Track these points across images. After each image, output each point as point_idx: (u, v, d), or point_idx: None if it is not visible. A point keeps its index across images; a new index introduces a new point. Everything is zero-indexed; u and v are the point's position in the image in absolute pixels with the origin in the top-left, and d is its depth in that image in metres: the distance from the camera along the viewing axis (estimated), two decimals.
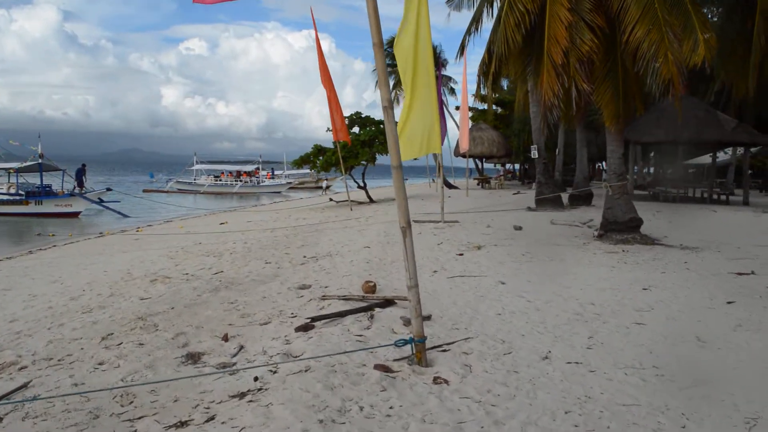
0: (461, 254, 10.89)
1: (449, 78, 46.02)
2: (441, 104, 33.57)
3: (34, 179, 33.24)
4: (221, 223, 21.44)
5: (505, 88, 47.26)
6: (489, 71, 12.28)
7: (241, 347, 5.81)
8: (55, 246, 18.24)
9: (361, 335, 5.81)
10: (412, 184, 61.49)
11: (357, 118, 27.05)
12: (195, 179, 60.32)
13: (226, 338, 6.12)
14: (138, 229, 22.19)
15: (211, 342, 6.11)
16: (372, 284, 7.64)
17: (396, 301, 6.97)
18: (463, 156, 42.53)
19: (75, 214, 30.43)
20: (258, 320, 6.85)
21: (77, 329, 7.25)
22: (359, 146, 25.39)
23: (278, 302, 7.67)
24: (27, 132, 60.25)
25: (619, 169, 12.12)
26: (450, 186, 38.15)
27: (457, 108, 42.20)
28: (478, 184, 44.89)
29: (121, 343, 6.39)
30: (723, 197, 25.10)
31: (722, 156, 44.66)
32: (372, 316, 6.35)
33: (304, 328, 6.10)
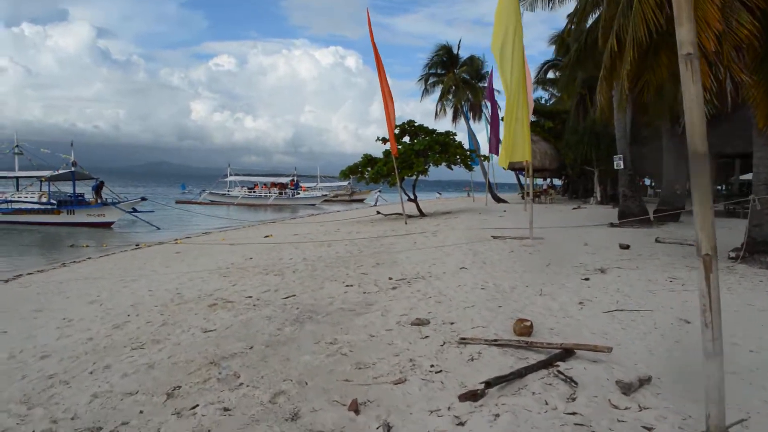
0: (587, 279, 8.84)
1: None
2: (497, 114, 31.69)
3: (66, 188, 31.87)
4: (266, 236, 19.59)
5: (543, 100, 45.14)
6: (619, 69, 10.23)
7: (389, 427, 3.81)
8: (89, 258, 16.51)
9: (574, 413, 3.78)
10: (447, 198, 59.70)
11: (409, 127, 25.12)
12: (228, 191, 58.91)
13: (355, 408, 4.13)
14: (177, 240, 20.43)
15: (334, 412, 4.13)
16: (529, 323, 5.61)
17: (575, 350, 4.94)
18: (519, 169, 40.59)
19: (108, 224, 28.92)
20: (385, 375, 4.85)
21: (129, 375, 5.38)
22: (413, 156, 23.44)
23: (397, 344, 5.68)
24: (59, 143, 59.64)
25: None
26: (499, 200, 36.04)
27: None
28: (523, 198, 42.77)
29: (196, 405, 4.47)
30: None
31: None
32: (569, 379, 4.31)
33: (473, 396, 4.09)
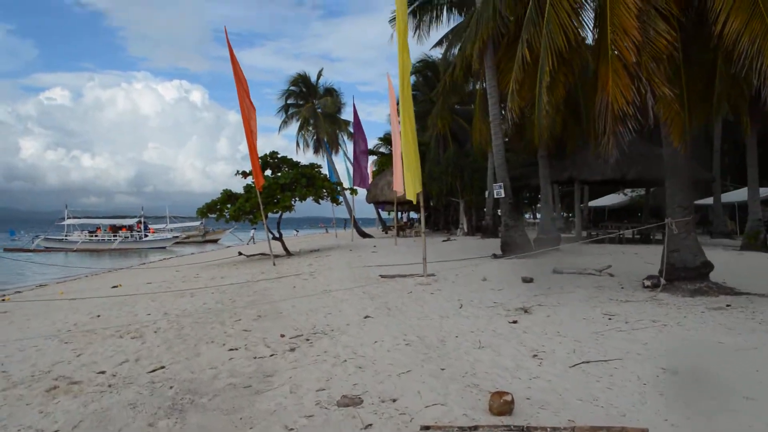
0: (515, 321, 7.66)
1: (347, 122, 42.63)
2: (365, 147, 30.85)
3: None
4: (114, 286, 16.79)
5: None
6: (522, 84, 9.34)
7: None
8: None
9: None
10: (306, 235, 57.91)
11: (272, 160, 23.35)
12: (66, 235, 52.83)
13: None
14: (3, 297, 17.00)
15: None
16: (509, 398, 4.17)
17: None
18: (382, 203, 39.88)
19: None
20: None
21: None
22: (278, 190, 21.68)
23: None
24: None
25: (685, 201, 9.50)
26: (364, 234, 35.01)
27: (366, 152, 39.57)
28: (386, 233, 42.16)
29: None
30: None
31: (620, 198, 45.19)
32: None
33: None
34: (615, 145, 8.10)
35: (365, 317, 8.40)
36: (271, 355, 6.80)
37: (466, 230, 31.49)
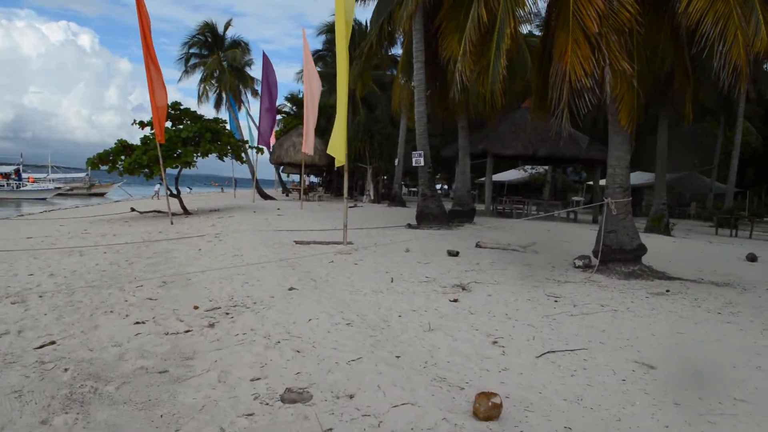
0: (455, 300, 7.10)
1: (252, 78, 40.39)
2: (273, 106, 29.28)
3: None
4: None
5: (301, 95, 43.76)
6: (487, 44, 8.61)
7: None
8: None
9: None
10: (201, 193, 55.36)
11: (174, 111, 21.55)
12: None
13: None
14: None
15: None
16: (498, 400, 3.54)
17: None
18: (287, 164, 38.48)
19: None
20: None
21: None
22: (180, 144, 20.09)
23: None
24: None
25: (626, 181, 9.25)
26: (266, 196, 33.70)
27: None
28: (286, 195, 40.97)
29: None
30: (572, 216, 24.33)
31: (519, 174, 46.27)
32: None
33: None
34: (569, 118, 7.62)
35: (290, 289, 7.56)
36: (187, 332, 5.86)
37: (372, 197, 30.96)
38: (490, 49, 8.50)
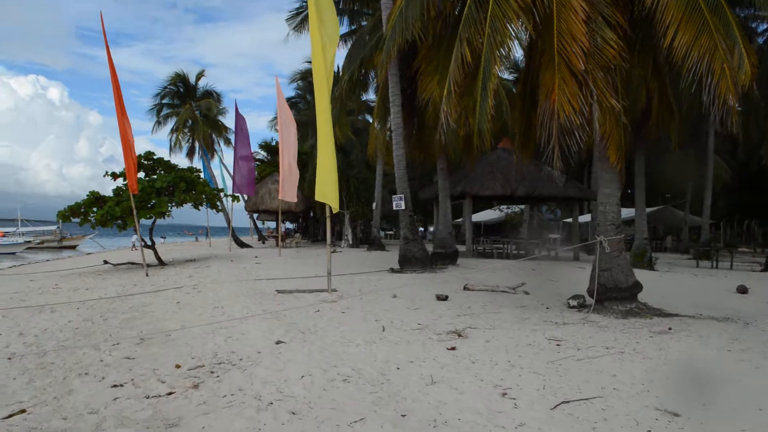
0: (453, 348, 6.77)
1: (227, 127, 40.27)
2: (249, 154, 29.04)
3: None
4: None
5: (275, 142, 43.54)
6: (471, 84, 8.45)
7: None
8: None
9: None
10: (175, 243, 54.34)
11: (147, 161, 21.19)
12: None
13: None
14: None
15: None
16: None
17: None
18: (263, 211, 38.06)
19: None
20: None
21: None
22: (154, 195, 19.67)
23: None
24: None
25: (617, 218, 9.08)
26: (242, 244, 33.15)
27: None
28: (263, 243, 40.43)
29: None
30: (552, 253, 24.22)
31: (495, 214, 46.43)
32: None
33: None
34: (559, 157, 7.45)
35: (277, 342, 7.16)
36: (169, 394, 5.42)
37: (351, 242, 30.62)
38: (475, 89, 8.37)
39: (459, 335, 7.41)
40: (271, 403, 4.87)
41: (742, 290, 12.03)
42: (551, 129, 7.39)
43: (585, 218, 29.78)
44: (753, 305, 10.37)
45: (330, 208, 11.54)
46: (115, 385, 5.75)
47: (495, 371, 5.73)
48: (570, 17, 7.34)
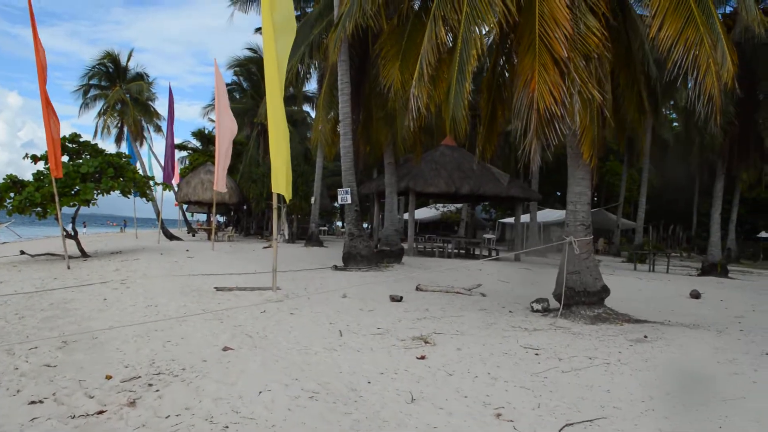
0: (423, 357, 6.14)
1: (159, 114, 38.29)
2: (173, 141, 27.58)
3: None
4: None
5: (207, 131, 42.02)
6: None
7: None
8: None
9: None
10: (98, 233, 51.63)
11: (72, 144, 19.66)
12: None
13: None
14: None
15: None
16: None
17: None
18: (195, 203, 36.42)
19: None
20: None
21: None
22: (78, 180, 18.21)
23: None
24: None
25: (588, 218, 8.67)
26: (171, 236, 31.59)
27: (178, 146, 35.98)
28: (193, 236, 38.81)
29: None
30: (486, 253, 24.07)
31: (432, 212, 46.40)
32: None
33: None
34: (538, 150, 6.92)
35: (224, 349, 6.34)
36: (100, 413, 4.57)
37: (287, 237, 29.64)
38: (450, 73, 7.75)
39: (426, 342, 6.79)
40: (227, 427, 4.10)
41: (695, 295, 11.96)
42: (528, 120, 6.87)
43: (524, 218, 29.91)
44: (713, 311, 10.25)
45: (282, 197, 10.77)
46: (33, 401, 4.84)
47: (477, 385, 5.13)
48: (554, 2, 6.84)
